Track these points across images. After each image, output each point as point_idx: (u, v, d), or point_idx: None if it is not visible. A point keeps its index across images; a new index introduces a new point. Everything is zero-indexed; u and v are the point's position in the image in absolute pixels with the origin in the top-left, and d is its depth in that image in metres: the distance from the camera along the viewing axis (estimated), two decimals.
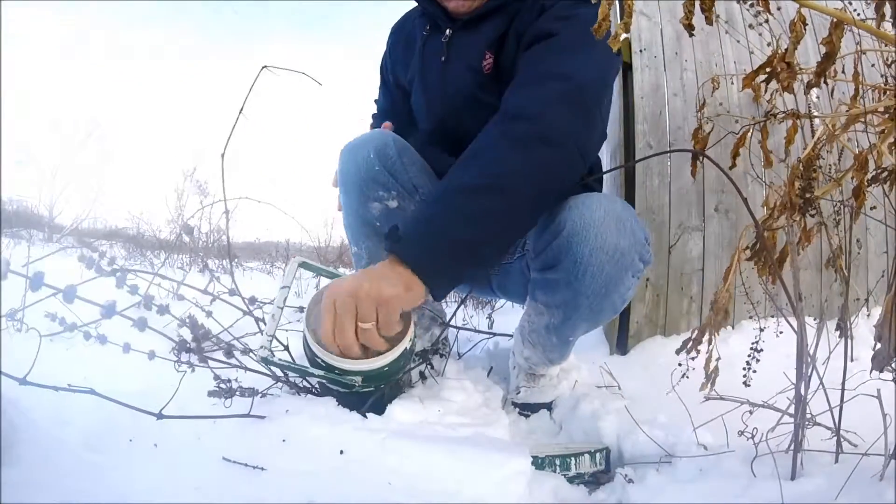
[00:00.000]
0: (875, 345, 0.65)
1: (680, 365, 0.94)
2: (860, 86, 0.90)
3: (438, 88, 1.10)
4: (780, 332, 1.32)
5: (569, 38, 0.90)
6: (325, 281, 0.95)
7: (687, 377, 0.94)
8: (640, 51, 1.60)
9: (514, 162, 0.80)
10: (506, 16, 1.04)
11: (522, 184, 0.80)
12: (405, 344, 0.84)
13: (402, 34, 1.23)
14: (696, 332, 0.90)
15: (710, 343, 0.89)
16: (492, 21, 1.05)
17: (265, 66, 0.93)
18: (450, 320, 1.09)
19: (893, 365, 0.65)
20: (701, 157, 1.38)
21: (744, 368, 0.90)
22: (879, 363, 0.63)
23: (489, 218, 0.78)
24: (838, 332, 0.82)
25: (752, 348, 0.91)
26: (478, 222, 0.77)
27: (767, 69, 0.80)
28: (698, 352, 0.90)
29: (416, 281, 0.76)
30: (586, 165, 0.88)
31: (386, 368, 0.84)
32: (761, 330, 0.96)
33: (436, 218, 0.79)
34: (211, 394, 0.81)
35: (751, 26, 1.62)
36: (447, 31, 1.09)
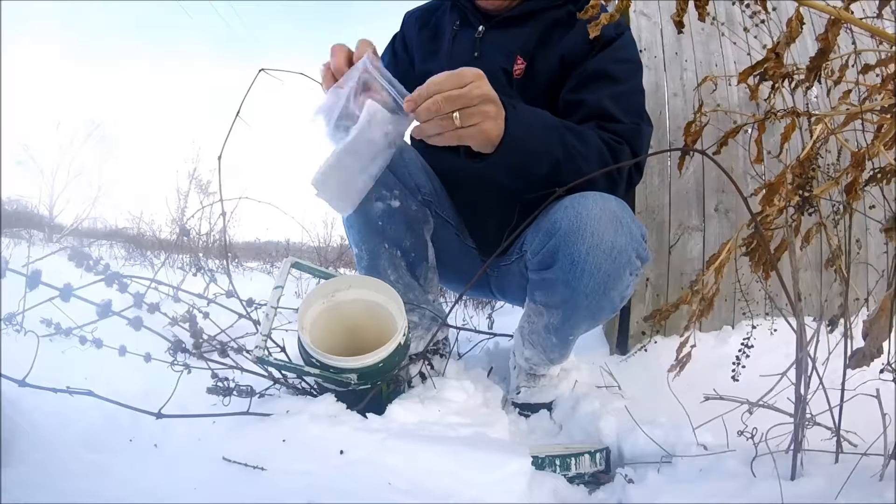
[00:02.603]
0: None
1: (644, 333, 0.93)
2: (858, 85, 0.90)
3: None
4: (775, 330, 1.32)
5: (628, 83, 1.03)
6: (324, 281, 0.96)
7: (645, 350, 0.94)
8: (641, 51, 1.59)
9: (600, 144, 0.94)
10: (540, 23, 1.06)
11: (596, 158, 0.92)
12: (398, 339, 0.85)
13: (427, 22, 1.21)
14: (664, 306, 0.90)
15: (686, 330, 0.89)
16: (525, 26, 1.07)
17: (262, 70, 0.93)
18: (447, 317, 1.09)
19: (893, 365, 0.65)
20: (692, 154, 1.38)
21: (733, 363, 0.90)
22: (857, 362, 0.61)
23: (570, 151, 0.90)
24: (830, 328, 0.81)
25: (742, 345, 0.91)
26: (563, 146, 0.89)
27: (763, 66, 0.80)
28: (662, 325, 0.90)
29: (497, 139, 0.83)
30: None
31: (381, 365, 0.84)
32: (753, 327, 0.96)
33: (546, 118, 0.91)
34: (209, 391, 0.82)
35: (746, 29, 1.62)
36: (480, 27, 1.09)
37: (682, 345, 0.88)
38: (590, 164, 0.90)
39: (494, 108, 0.80)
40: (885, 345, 0.61)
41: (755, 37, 1.62)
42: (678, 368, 0.87)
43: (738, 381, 0.86)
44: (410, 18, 1.24)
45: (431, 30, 1.19)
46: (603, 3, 0.80)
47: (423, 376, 1.03)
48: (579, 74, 1.02)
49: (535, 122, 0.88)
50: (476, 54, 1.09)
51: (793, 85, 1.08)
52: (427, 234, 1.14)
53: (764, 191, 0.86)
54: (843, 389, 0.67)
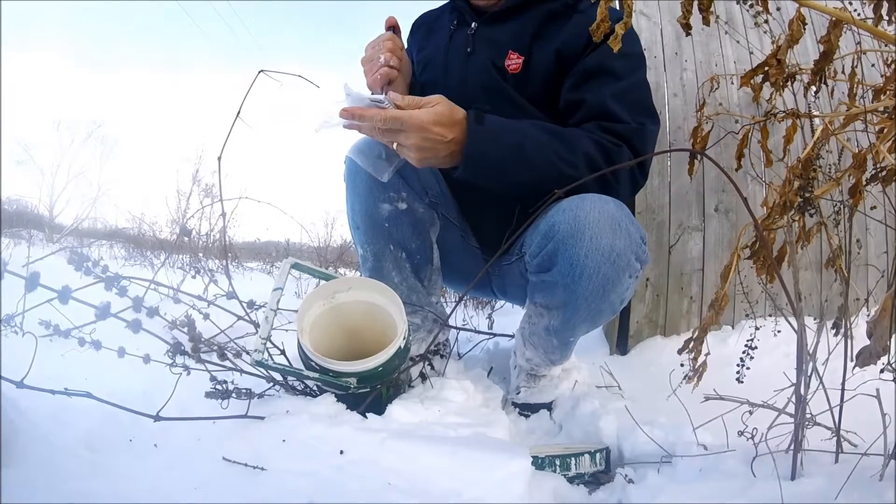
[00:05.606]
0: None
1: (682, 365, 0.94)
2: (859, 85, 0.90)
3: (461, 80, 1.10)
4: (778, 332, 1.32)
5: (630, 78, 1.00)
6: (324, 282, 0.95)
7: (689, 378, 0.94)
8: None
9: (591, 148, 0.93)
10: (535, 16, 1.05)
11: (583, 163, 0.92)
12: (398, 343, 0.84)
13: (423, 23, 1.24)
14: (696, 332, 0.90)
15: (700, 341, 0.89)
16: (518, 20, 1.06)
17: (261, 71, 0.95)
18: (449, 317, 1.09)
19: (894, 364, 0.64)
20: (700, 157, 1.38)
21: (738, 365, 0.90)
22: (864, 360, 0.61)
23: (551, 158, 0.90)
24: (835, 331, 0.81)
25: (746, 346, 0.91)
26: (542, 154, 0.90)
27: (765, 68, 0.80)
28: (699, 352, 0.90)
29: (458, 156, 0.89)
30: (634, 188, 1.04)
31: (380, 369, 0.84)
32: (756, 328, 0.96)
33: (520, 129, 0.92)
34: (208, 395, 0.81)
35: (757, 24, 1.61)
36: (473, 24, 1.10)
37: (697, 354, 0.88)
38: (576, 170, 0.90)
39: (419, 153, 0.87)
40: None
41: (765, 31, 1.61)
42: (696, 379, 0.87)
43: (742, 382, 0.86)
44: (412, 27, 1.28)
45: (428, 27, 1.22)
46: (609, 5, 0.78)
47: (423, 376, 1.03)
48: (578, 71, 0.99)
49: (504, 134, 0.89)
50: (469, 50, 1.09)
51: (794, 84, 1.08)
52: (433, 236, 1.14)
53: (773, 200, 0.85)
54: (843, 389, 0.67)
